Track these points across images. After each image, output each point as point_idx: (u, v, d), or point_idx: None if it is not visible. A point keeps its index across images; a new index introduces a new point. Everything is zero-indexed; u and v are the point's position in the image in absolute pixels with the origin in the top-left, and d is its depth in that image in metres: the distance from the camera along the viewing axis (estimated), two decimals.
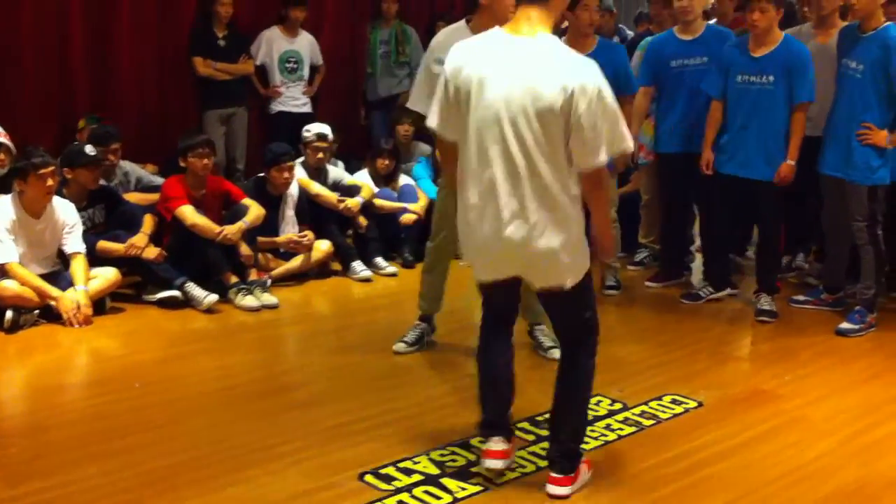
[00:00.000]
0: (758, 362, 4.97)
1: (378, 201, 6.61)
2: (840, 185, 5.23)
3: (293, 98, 7.51)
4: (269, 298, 5.58)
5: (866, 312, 5.24)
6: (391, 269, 6.34)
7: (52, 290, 5.09)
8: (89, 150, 5.52)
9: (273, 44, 7.42)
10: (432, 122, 3.31)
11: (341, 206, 6.39)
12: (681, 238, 6.21)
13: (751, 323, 5.44)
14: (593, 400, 4.08)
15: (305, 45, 7.56)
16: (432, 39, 4.56)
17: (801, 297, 5.70)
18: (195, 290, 5.44)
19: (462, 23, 4.40)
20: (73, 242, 5.28)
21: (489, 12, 4.15)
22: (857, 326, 5.20)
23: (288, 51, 7.46)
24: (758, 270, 5.68)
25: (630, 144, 3.19)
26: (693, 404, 4.20)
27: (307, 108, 7.54)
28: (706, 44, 5.63)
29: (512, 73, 3.07)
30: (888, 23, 5.08)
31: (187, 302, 5.44)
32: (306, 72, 7.58)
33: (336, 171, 6.73)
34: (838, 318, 5.32)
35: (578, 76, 3.01)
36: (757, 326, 5.38)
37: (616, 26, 7.26)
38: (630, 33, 7.20)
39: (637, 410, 4.09)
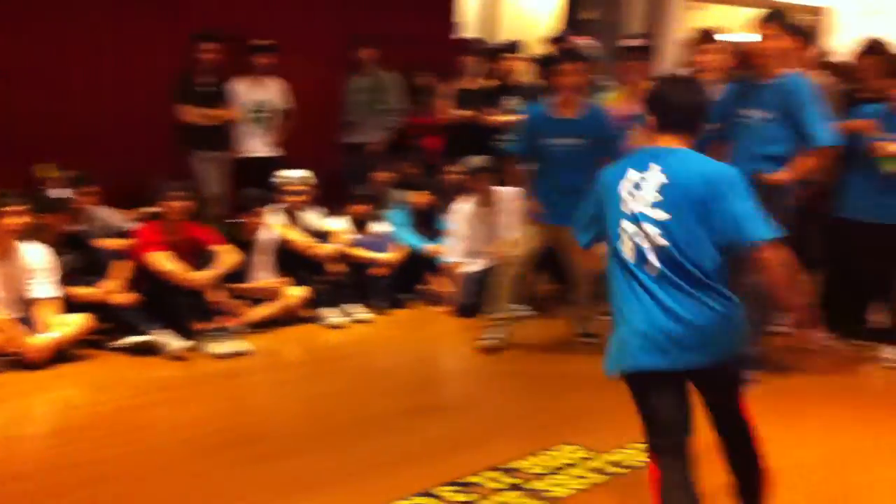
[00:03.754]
0: None
1: (351, 250, 6.56)
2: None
3: (262, 144, 7.47)
4: (240, 345, 5.50)
5: None
6: (365, 315, 6.27)
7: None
8: (58, 193, 5.46)
9: (242, 92, 7.40)
10: None
11: (317, 251, 6.34)
12: None
13: None
14: (567, 448, 4.03)
15: (274, 90, 7.54)
16: None
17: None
18: (165, 336, 5.36)
19: None
20: (36, 288, 5.19)
21: None
22: None
23: (257, 99, 7.45)
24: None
25: None
26: None
27: (275, 153, 7.48)
28: None
29: None
30: None
31: (157, 348, 5.36)
32: (275, 118, 7.56)
33: (311, 217, 6.69)
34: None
35: None
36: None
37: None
38: None
39: (611, 458, 4.00)
